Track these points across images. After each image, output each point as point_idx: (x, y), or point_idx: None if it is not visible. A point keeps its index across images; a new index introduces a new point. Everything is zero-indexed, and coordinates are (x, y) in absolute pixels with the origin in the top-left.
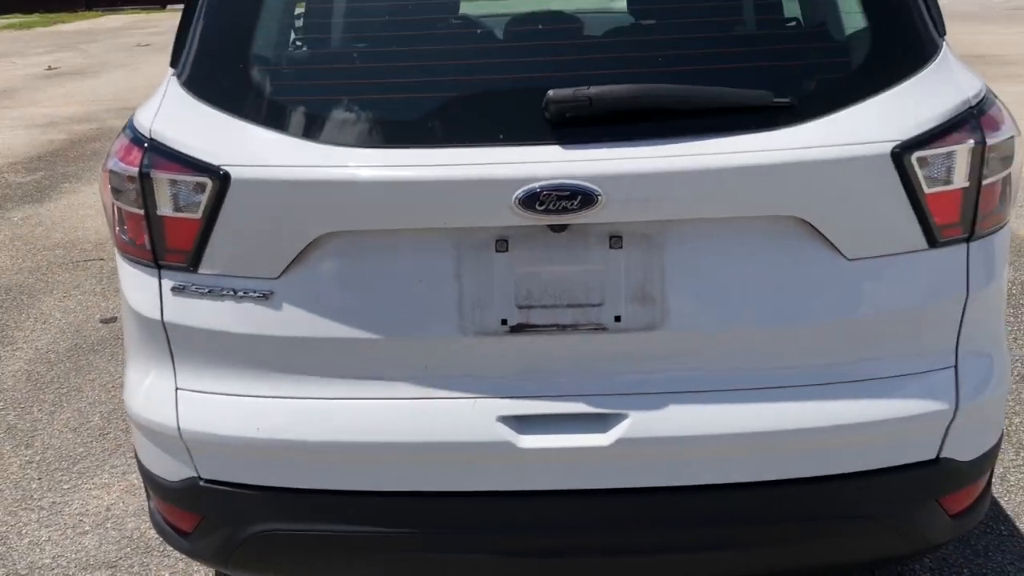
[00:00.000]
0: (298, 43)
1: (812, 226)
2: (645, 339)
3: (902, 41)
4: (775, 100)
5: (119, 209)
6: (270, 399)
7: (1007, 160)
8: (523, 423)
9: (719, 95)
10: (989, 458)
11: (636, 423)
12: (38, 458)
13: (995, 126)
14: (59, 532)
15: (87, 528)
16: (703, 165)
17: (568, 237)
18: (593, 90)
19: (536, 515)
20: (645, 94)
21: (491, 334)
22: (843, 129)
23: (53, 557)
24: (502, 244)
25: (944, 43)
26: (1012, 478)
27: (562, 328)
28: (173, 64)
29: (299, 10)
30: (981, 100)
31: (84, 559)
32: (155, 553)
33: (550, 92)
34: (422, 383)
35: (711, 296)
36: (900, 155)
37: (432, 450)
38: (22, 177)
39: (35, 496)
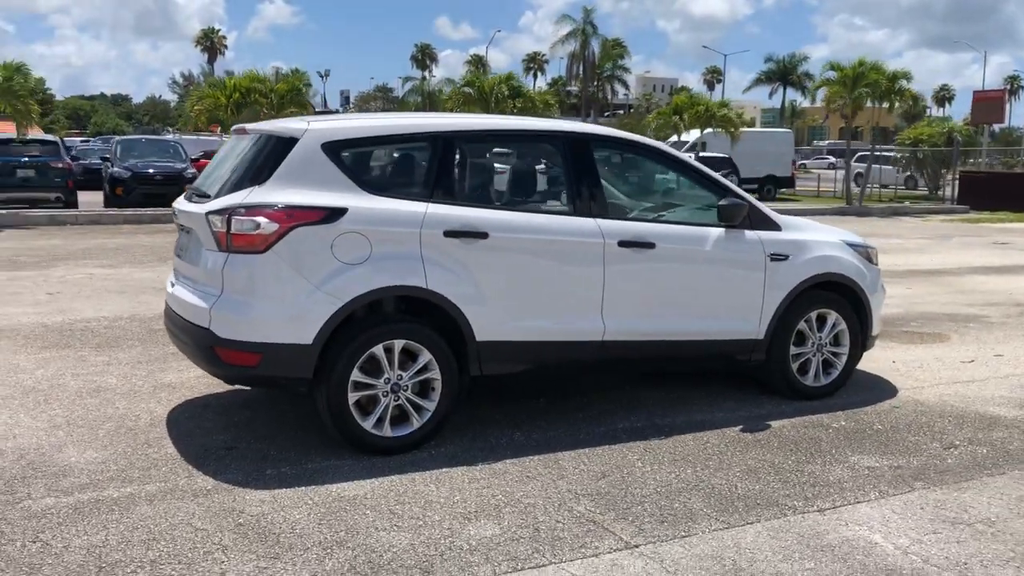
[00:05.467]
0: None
1: (210, 235)
2: (188, 263)
3: (256, 172)
4: (216, 193)
5: None
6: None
7: (232, 228)
8: (174, 280)
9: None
10: (244, 347)
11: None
12: None
13: (242, 215)
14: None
15: None
16: (189, 210)
17: (188, 232)
18: (192, 187)
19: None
20: (194, 191)
21: (178, 257)
22: (220, 203)
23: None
24: (185, 231)
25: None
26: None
27: (181, 256)
28: None
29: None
30: (245, 207)
31: None
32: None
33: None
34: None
35: (193, 250)
36: (207, 215)
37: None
38: None
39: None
